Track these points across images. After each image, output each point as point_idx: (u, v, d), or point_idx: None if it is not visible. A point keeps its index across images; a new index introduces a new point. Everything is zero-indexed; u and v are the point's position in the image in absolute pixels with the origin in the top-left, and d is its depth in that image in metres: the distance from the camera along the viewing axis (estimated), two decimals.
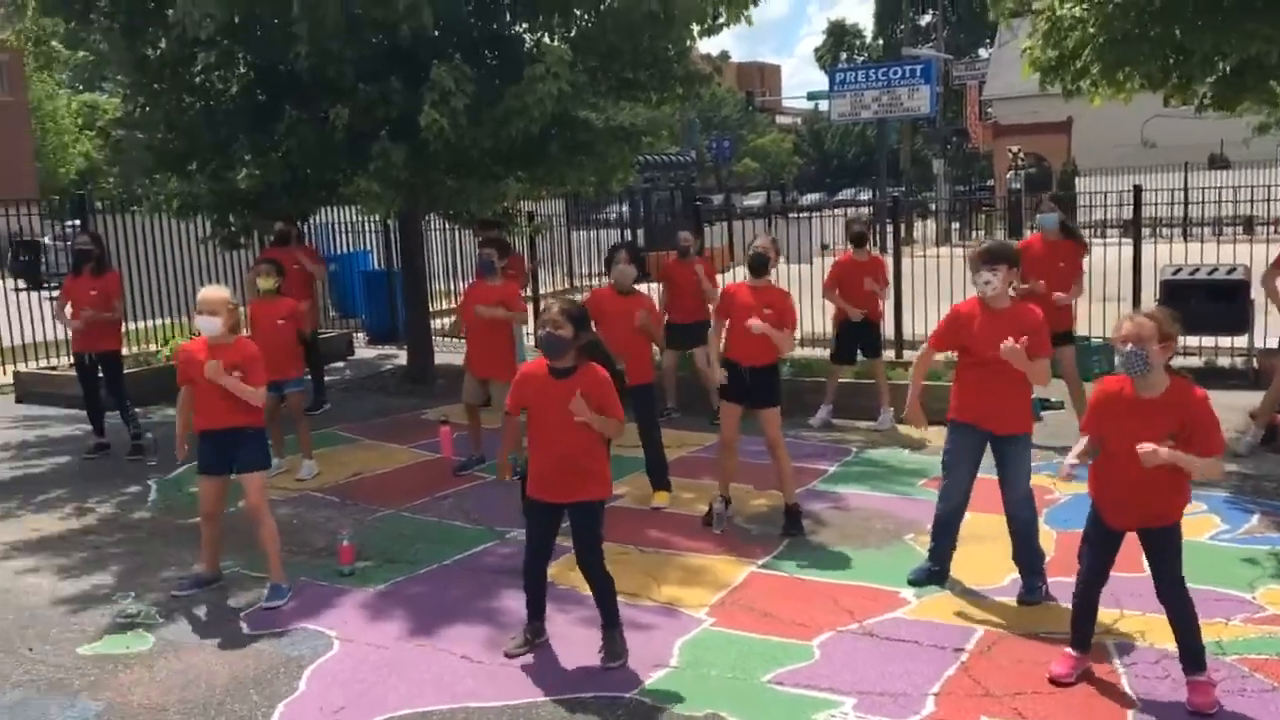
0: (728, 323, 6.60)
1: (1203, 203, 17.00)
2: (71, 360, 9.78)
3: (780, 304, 6.45)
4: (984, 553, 5.83)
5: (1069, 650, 4.54)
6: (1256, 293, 9.56)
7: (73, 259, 9.03)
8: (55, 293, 10.21)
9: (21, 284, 16.62)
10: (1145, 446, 4.02)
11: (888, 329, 10.99)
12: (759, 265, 6.52)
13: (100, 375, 8.99)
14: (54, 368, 12.10)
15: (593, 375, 4.68)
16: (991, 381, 5.22)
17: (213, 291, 5.67)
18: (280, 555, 5.80)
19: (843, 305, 9.18)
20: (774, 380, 6.57)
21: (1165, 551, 4.27)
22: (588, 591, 4.96)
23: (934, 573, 5.63)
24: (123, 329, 9.26)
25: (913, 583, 5.58)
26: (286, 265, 8.69)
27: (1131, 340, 4.03)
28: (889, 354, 10.82)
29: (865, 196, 47.32)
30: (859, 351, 9.34)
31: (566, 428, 4.62)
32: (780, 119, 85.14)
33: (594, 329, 4.87)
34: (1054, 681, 4.44)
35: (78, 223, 13.55)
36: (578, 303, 4.82)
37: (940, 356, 6.11)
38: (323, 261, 11.41)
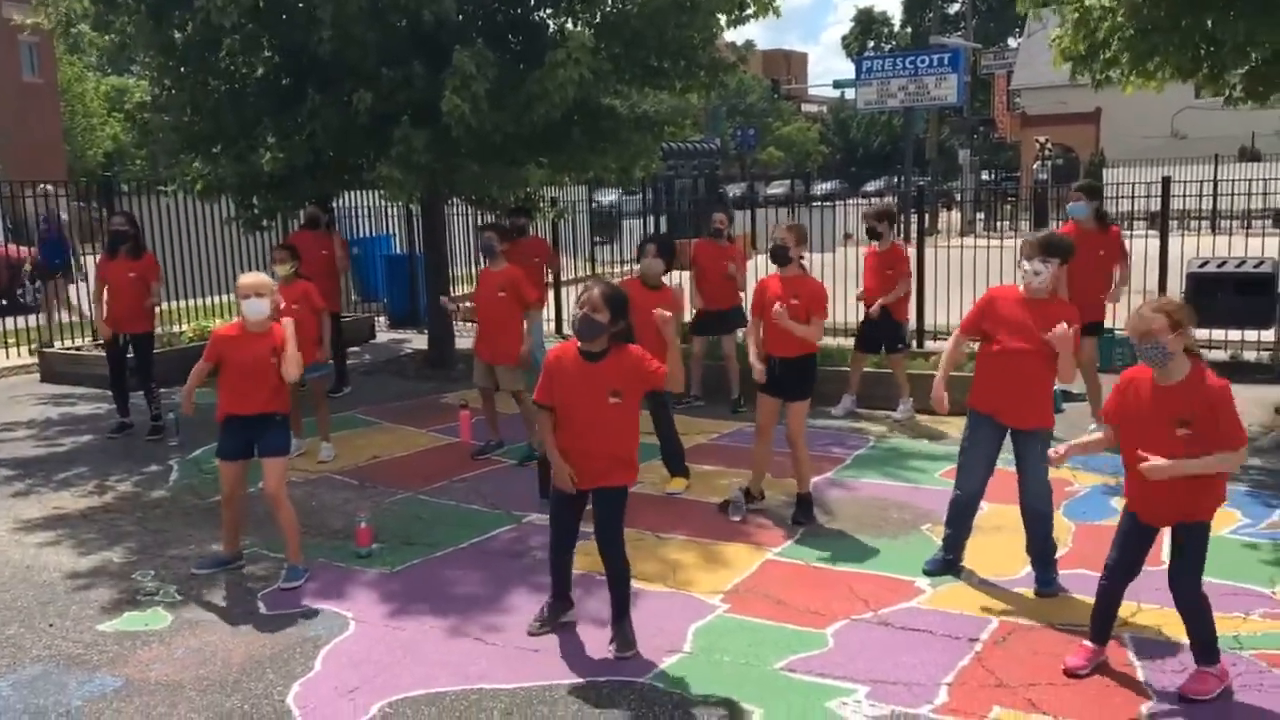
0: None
1: (1232, 195, 16.81)
2: (101, 339, 9.82)
3: (809, 293, 6.30)
4: (1000, 544, 5.81)
5: (1086, 642, 4.51)
6: None
7: (108, 240, 9.07)
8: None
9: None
10: (1148, 462, 4.04)
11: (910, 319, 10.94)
12: (779, 256, 6.41)
13: (130, 355, 9.07)
14: (79, 347, 12.20)
15: (627, 354, 4.62)
16: (1012, 374, 5.16)
17: (255, 275, 5.77)
18: (299, 538, 5.84)
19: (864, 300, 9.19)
20: (803, 373, 6.44)
21: (1187, 548, 4.23)
22: (602, 577, 4.96)
23: (948, 562, 5.61)
24: (157, 311, 9.34)
25: (928, 573, 5.56)
26: (312, 250, 8.79)
27: (1143, 336, 4.03)
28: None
29: (873, 187, 47.03)
30: (882, 346, 9.27)
31: (601, 412, 4.60)
32: (806, 107, 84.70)
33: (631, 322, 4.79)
34: (1068, 673, 4.41)
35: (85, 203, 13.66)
36: (620, 289, 4.72)
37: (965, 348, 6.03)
38: (346, 251, 11.42)
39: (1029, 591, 5.31)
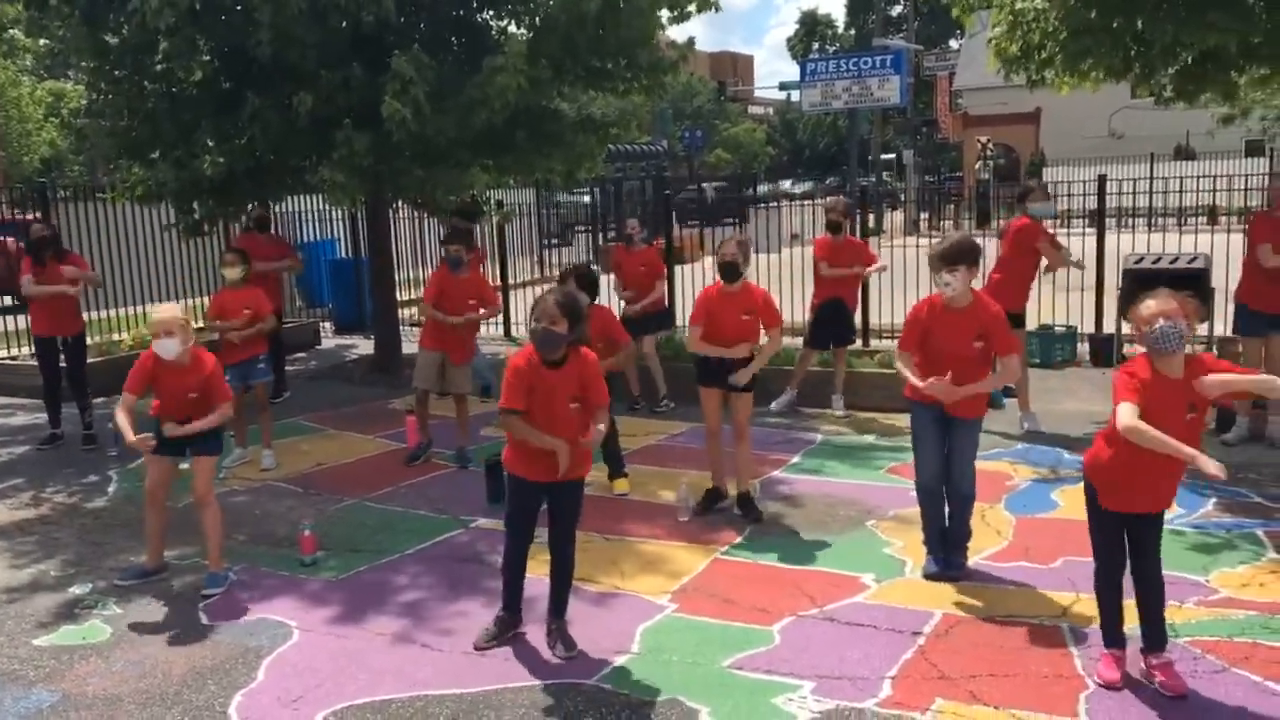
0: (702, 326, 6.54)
1: (1166, 192, 17.20)
2: (33, 351, 9.61)
3: (762, 307, 6.40)
4: None
5: (1110, 651, 4.42)
6: (1217, 281, 9.68)
7: (33, 248, 8.90)
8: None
9: None
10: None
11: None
12: (729, 273, 6.40)
13: (65, 363, 8.92)
14: (14, 358, 11.94)
15: (585, 363, 4.68)
16: (956, 377, 5.19)
17: (165, 310, 5.54)
18: (222, 543, 5.78)
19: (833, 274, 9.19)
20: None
21: (1158, 533, 4.35)
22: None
23: (944, 561, 5.52)
24: (88, 317, 9.19)
25: (929, 577, 5.47)
26: (255, 253, 8.74)
27: (1169, 315, 4.03)
28: (857, 343, 10.87)
29: (799, 189, 47.43)
30: (830, 342, 9.32)
31: (563, 417, 4.64)
32: (753, 109, 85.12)
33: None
34: (1108, 686, 4.30)
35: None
36: (577, 297, 4.74)
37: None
38: (294, 254, 11.26)
39: (972, 585, 5.38)
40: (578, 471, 4.77)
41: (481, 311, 7.96)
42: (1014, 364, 5.36)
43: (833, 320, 9.22)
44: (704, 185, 31.58)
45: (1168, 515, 6.18)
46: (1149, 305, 4.09)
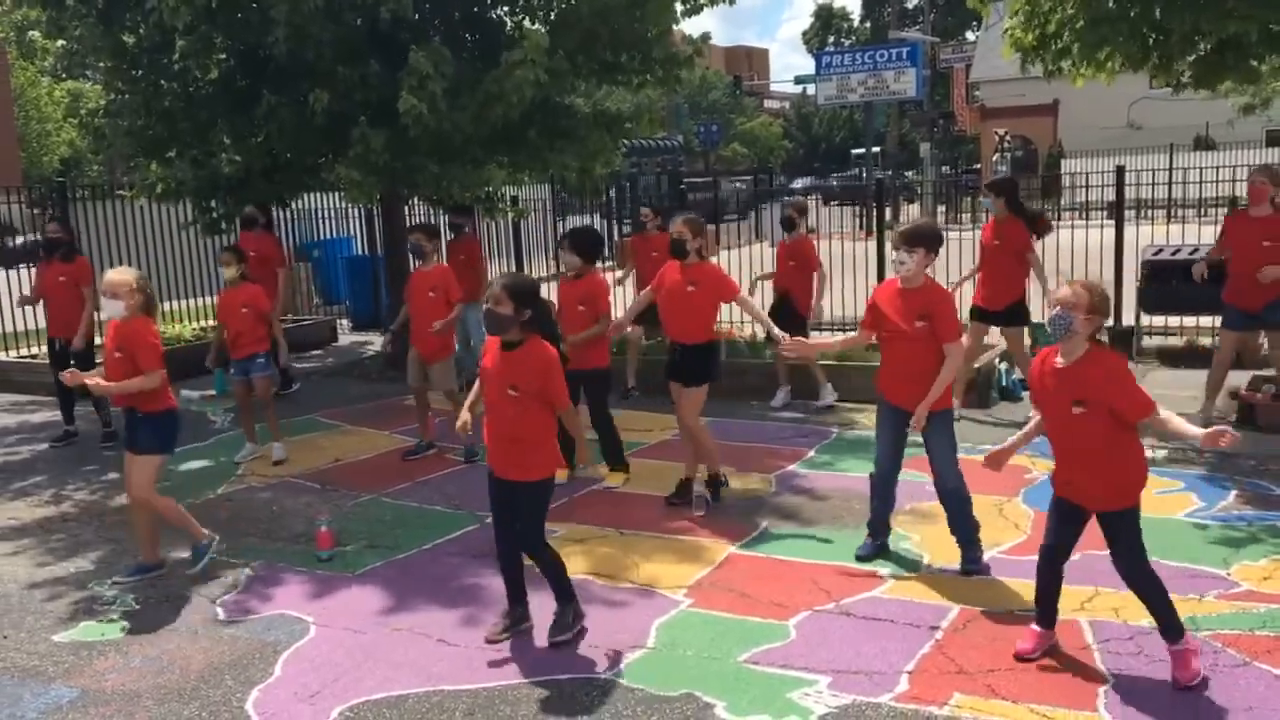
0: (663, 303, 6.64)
1: (1184, 183, 17.02)
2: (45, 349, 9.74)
3: (713, 281, 6.45)
4: None
5: (1034, 626, 4.54)
6: None
7: (44, 246, 8.98)
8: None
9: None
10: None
11: (859, 310, 11.03)
12: (677, 250, 6.47)
13: (72, 362, 8.95)
14: (34, 356, 12.02)
15: (536, 351, 4.61)
16: (903, 360, 5.34)
17: (115, 273, 5.75)
18: (187, 522, 5.87)
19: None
20: (702, 361, 6.50)
21: (1119, 535, 4.24)
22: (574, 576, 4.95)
23: (878, 546, 5.71)
24: (94, 315, 9.17)
25: (860, 559, 5.63)
26: (248, 252, 8.78)
27: (1063, 304, 4.10)
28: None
29: (797, 186, 47.11)
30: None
31: (501, 402, 4.63)
32: (768, 103, 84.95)
33: (547, 308, 4.83)
34: (1018, 658, 4.44)
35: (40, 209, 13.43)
36: (525, 278, 4.76)
37: None
38: (282, 254, 11.24)
39: (988, 580, 5.35)
40: (520, 473, 4.68)
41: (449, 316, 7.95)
42: (954, 352, 5.28)
43: (779, 313, 9.20)
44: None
45: (1189, 509, 6.20)
46: (1061, 289, 4.17)
